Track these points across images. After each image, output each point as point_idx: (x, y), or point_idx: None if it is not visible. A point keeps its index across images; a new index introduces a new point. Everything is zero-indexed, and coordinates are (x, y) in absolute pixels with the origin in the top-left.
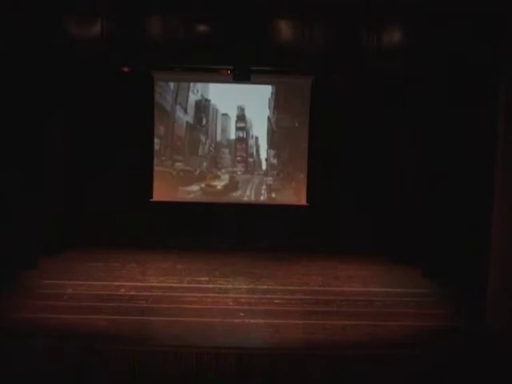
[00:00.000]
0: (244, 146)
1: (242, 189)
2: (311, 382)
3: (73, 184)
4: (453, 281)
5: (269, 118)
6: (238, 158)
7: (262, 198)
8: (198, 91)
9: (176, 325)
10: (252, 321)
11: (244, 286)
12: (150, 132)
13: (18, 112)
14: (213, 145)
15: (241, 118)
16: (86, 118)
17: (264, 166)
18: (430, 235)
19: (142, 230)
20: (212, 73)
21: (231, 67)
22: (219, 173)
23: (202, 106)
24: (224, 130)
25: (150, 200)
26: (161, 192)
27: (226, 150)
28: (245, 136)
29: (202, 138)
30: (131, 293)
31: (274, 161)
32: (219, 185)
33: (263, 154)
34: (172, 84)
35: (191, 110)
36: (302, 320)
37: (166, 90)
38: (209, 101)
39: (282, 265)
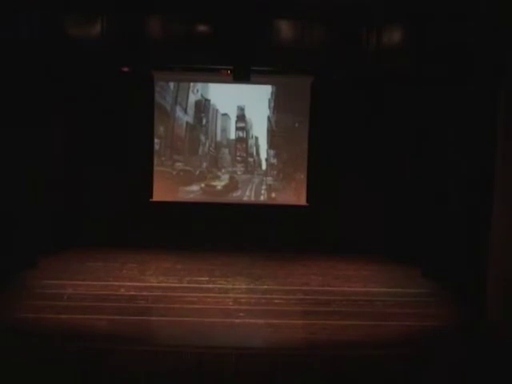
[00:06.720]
0: (244, 145)
1: (241, 189)
2: (311, 383)
3: (73, 184)
4: (452, 281)
5: (269, 118)
6: (238, 158)
7: (261, 197)
8: (197, 91)
9: (176, 325)
10: (252, 321)
11: (244, 286)
12: (150, 132)
13: (18, 112)
14: (213, 145)
15: (241, 117)
16: (86, 117)
17: (264, 166)
18: (430, 235)
19: (142, 230)
20: (212, 73)
21: (231, 67)
22: (219, 173)
23: (202, 106)
24: (224, 130)
25: (150, 200)
26: (161, 192)
27: (226, 150)
28: (245, 136)
29: (202, 137)
30: (131, 293)
31: (274, 161)
32: (219, 185)
33: (263, 154)
34: (172, 84)
35: (191, 110)
36: (302, 320)
37: (165, 89)
38: (209, 101)
39: (281, 265)
